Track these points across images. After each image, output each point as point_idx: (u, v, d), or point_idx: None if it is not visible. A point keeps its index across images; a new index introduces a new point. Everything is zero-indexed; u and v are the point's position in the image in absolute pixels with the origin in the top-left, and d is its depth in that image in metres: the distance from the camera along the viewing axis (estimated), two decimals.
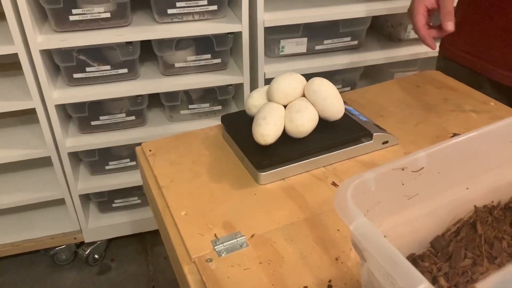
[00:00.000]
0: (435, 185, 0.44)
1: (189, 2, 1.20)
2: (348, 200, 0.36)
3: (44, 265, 1.54)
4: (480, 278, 0.45)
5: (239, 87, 1.34)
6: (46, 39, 1.13)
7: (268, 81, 1.35)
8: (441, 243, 0.45)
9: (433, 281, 0.43)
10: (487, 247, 0.46)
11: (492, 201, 0.49)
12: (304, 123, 0.61)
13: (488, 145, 0.47)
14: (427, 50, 1.46)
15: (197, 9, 1.21)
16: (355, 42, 1.43)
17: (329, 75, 1.45)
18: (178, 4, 1.19)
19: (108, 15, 1.16)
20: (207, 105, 1.36)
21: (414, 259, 0.44)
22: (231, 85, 1.31)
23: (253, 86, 1.35)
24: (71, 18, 1.14)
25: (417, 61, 1.47)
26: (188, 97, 1.36)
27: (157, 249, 1.58)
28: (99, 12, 1.15)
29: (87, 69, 1.21)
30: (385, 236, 0.42)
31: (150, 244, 1.60)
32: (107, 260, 1.56)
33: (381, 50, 1.44)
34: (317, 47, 1.39)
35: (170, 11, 1.20)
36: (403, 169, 0.41)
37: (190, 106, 1.35)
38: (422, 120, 0.72)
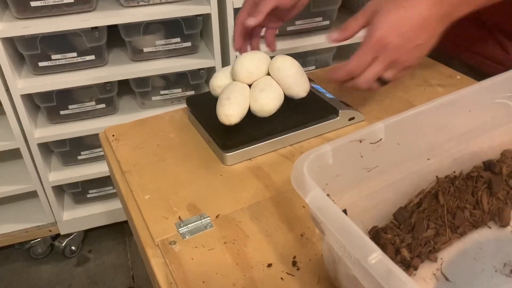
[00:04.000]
0: (395, 157, 0.43)
1: None
2: (304, 173, 0.36)
3: (20, 260, 1.51)
4: (442, 247, 0.45)
5: (211, 70, 1.32)
6: (7, 26, 1.09)
7: None
8: (404, 214, 0.45)
9: (396, 252, 0.43)
10: (450, 217, 0.46)
11: (454, 171, 0.49)
12: (268, 102, 0.60)
13: (448, 116, 0.47)
14: None
15: None
16: (327, 22, 1.42)
17: (302, 56, 1.44)
18: None
19: (71, 0, 1.13)
20: (179, 90, 1.34)
21: (377, 231, 0.44)
22: (202, 69, 1.29)
23: None
24: (32, 4, 1.10)
25: None
26: (159, 82, 1.33)
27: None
28: None
29: (53, 57, 1.18)
30: (346, 210, 0.42)
31: (128, 233, 1.59)
32: (85, 251, 1.54)
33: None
34: (289, 28, 1.38)
35: None
36: (361, 141, 0.40)
37: (162, 92, 1.33)
38: (388, 95, 0.72)
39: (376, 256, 0.29)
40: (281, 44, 1.35)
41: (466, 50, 0.79)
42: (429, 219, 0.45)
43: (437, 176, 0.47)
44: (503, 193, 0.48)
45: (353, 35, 0.56)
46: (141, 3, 1.19)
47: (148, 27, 1.22)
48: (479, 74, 0.74)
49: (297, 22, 1.38)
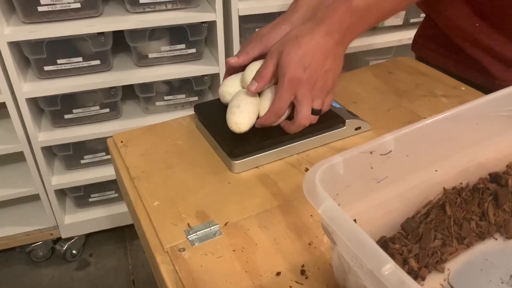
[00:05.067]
0: (403, 168, 0.44)
1: None
2: (317, 184, 0.36)
3: (21, 263, 1.51)
4: (449, 258, 0.46)
5: (215, 77, 1.33)
6: (14, 31, 1.10)
7: None
8: (411, 225, 0.46)
9: (404, 262, 0.44)
10: (456, 228, 0.47)
11: (461, 183, 0.49)
12: None
13: (455, 128, 0.47)
14: (402, 38, 1.48)
15: None
16: None
17: None
18: None
19: (78, 5, 1.14)
20: (183, 96, 1.35)
21: (385, 242, 0.45)
22: (206, 75, 1.30)
23: None
24: (40, 8, 1.11)
25: (391, 48, 1.49)
26: (163, 88, 1.34)
27: (136, 242, 1.57)
28: (68, 3, 1.13)
29: (58, 61, 1.18)
30: (355, 220, 0.42)
31: (129, 238, 1.59)
32: (86, 255, 1.54)
33: (357, 39, 1.44)
34: None
35: (142, 0, 1.17)
36: (371, 153, 0.41)
37: (165, 98, 1.34)
38: (394, 105, 0.73)
39: (390, 267, 0.29)
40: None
41: (469, 67, 0.80)
42: (436, 229, 0.46)
43: (444, 188, 0.48)
44: (509, 205, 0.48)
45: (269, 81, 0.60)
46: (147, 10, 1.20)
47: (153, 33, 1.23)
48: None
49: None
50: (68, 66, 1.20)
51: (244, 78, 0.63)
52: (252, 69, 0.63)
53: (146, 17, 1.18)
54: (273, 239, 0.50)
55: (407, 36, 1.46)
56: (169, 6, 1.21)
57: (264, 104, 0.61)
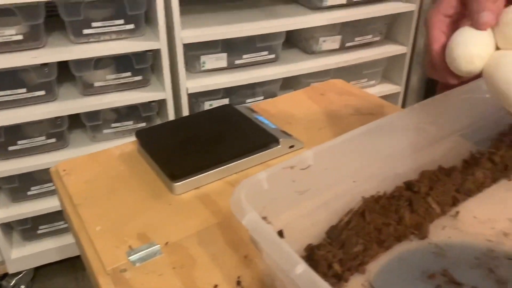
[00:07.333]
0: (324, 180, 0.49)
1: (105, 22, 1.20)
2: (241, 198, 0.40)
3: None
4: (370, 260, 0.51)
5: (162, 103, 1.35)
6: None
7: (191, 96, 1.39)
8: (335, 232, 0.50)
9: (329, 267, 0.48)
10: (376, 232, 0.52)
11: (379, 192, 0.55)
12: None
13: (371, 141, 0.53)
14: (339, 61, 1.57)
15: (114, 29, 1.22)
16: (273, 56, 1.50)
17: (251, 88, 1.51)
18: (93, 24, 1.19)
19: (20, 37, 1.14)
20: (131, 122, 1.37)
21: (311, 249, 0.49)
22: (154, 101, 1.33)
23: (176, 102, 1.37)
24: None
25: (330, 71, 1.57)
26: (111, 115, 1.35)
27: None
28: (10, 35, 1.13)
29: (1, 93, 1.18)
30: (282, 230, 0.46)
31: (80, 269, 1.56)
32: None
33: (296, 62, 1.52)
34: (237, 62, 1.45)
35: (85, 31, 1.20)
36: (292, 168, 0.45)
37: (113, 125, 1.35)
38: (325, 124, 0.78)
39: (301, 267, 0.33)
40: (230, 77, 1.41)
41: None
42: (358, 235, 0.51)
43: (363, 197, 0.53)
44: (422, 210, 0.54)
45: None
46: (91, 40, 1.22)
47: (99, 62, 1.25)
48: None
49: (244, 56, 1.45)
50: (11, 98, 1.19)
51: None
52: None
53: (90, 47, 1.20)
54: (212, 255, 0.53)
55: (344, 59, 1.55)
56: (114, 36, 1.23)
57: None
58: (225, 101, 1.47)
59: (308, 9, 1.49)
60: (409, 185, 0.57)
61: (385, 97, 1.68)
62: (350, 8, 1.50)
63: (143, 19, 1.24)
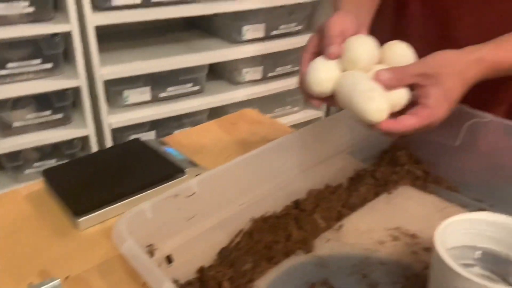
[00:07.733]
0: (210, 206, 0.53)
1: (21, 62, 1.20)
2: (121, 228, 0.43)
3: None
4: (259, 276, 0.55)
5: (85, 139, 1.35)
6: None
7: (115, 131, 1.40)
8: (225, 253, 0.54)
9: (219, 286, 0.52)
10: (266, 250, 0.56)
11: (267, 211, 0.59)
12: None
13: (260, 164, 0.58)
14: (261, 90, 1.64)
15: (31, 69, 1.23)
16: (197, 87, 1.55)
17: (177, 119, 1.54)
18: (8, 65, 1.19)
19: None
20: (54, 161, 1.35)
21: (202, 270, 0.52)
22: (76, 139, 1.33)
23: (100, 138, 1.38)
24: None
25: (254, 100, 1.64)
26: (32, 155, 1.33)
27: None
28: None
29: None
30: (170, 255, 0.49)
31: None
32: None
33: (221, 93, 1.58)
34: (161, 95, 1.48)
35: (1, 72, 1.19)
36: (176, 196, 0.49)
37: (34, 165, 1.33)
38: (233, 152, 0.83)
39: (168, 286, 0.37)
40: (155, 110, 1.44)
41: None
42: (248, 254, 0.55)
43: (252, 217, 0.57)
44: (308, 226, 0.59)
45: (404, 84, 0.53)
46: (7, 80, 1.21)
47: (18, 101, 1.24)
48: None
49: (168, 89, 1.49)
50: None
51: (355, 56, 0.53)
52: (359, 45, 0.53)
53: (6, 88, 1.19)
54: (113, 285, 0.55)
55: (267, 88, 1.63)
56: (31, 76, 1.23)
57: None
58: (152, 133, 1.50)
59: (228, 42, 1.57)
60: (297, 204, 0.62)
61: (308, 122, 1.77)
62: (268, 41, 1.59)
63: (61, 58, 1.25)
